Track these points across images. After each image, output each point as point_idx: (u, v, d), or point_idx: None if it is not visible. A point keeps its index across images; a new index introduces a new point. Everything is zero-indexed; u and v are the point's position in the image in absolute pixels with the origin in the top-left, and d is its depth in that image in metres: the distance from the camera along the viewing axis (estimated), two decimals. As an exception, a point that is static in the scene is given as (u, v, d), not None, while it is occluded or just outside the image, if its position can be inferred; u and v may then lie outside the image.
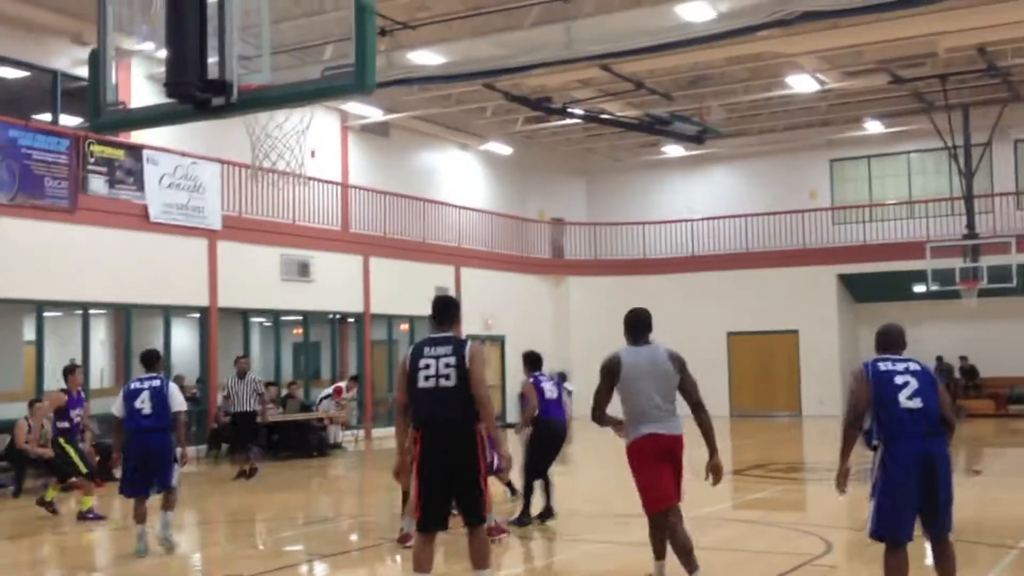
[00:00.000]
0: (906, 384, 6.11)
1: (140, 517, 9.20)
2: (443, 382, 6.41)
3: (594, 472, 16.31)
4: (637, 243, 30.18)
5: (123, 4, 7.01)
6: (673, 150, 30.37)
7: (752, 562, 8.73)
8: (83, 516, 11.49)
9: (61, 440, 12.41)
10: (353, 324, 23.52)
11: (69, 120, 18.75)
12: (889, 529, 6.07)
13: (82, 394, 13.35)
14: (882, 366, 6.22)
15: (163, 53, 6.15)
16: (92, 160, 17.37)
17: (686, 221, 29.84)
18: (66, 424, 12.60)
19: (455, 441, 6.41)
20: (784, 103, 26.87)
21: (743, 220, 28.96)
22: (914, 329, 25.14)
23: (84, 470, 12.10)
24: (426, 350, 6.52)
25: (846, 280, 27.96)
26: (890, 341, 6.43)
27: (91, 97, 7.13)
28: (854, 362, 27.78)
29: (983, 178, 26.57)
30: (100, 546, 10.71)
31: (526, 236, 29.48)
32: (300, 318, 21.99)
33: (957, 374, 27.39)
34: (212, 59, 6.26)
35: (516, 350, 27.70)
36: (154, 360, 9.61)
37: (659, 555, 7.12)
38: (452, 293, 25.66)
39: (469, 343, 6.57)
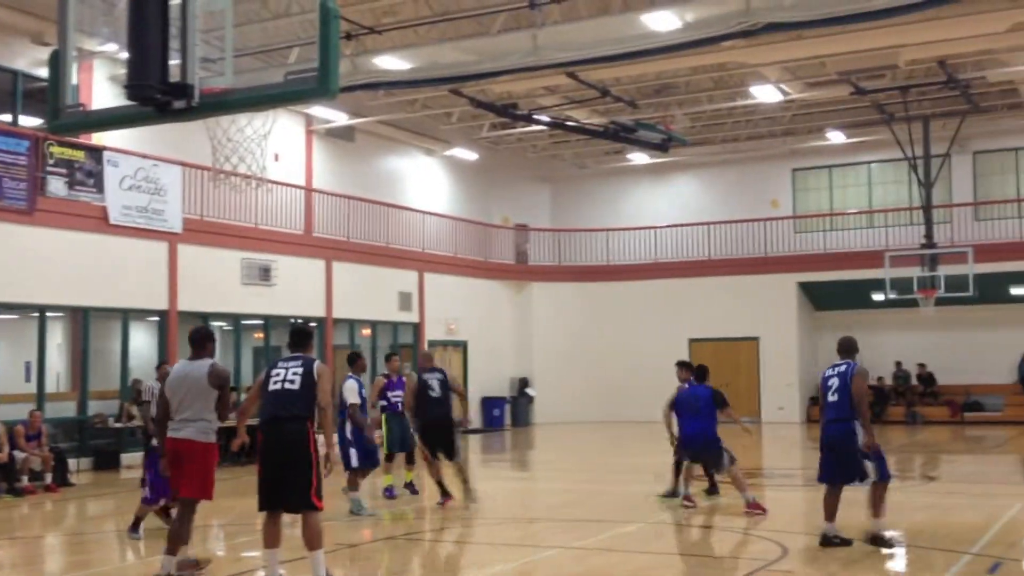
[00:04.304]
0: (832, 384, 8.79)
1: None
2: (287, 386, 7.51)
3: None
4: (601, 250, 30.30)
5: (85, 4, 6.93)
6: (638, 158, 30.51)
7: (709, 567, 8.80)
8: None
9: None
10: (315, 329, 23.40)
11: (29, 121, 18.54)
12: (822, 477, 9.11)
13: (402, 378, 13.55)
14: (827, 371, 8.93)
15: (126, 55, 6.09)
16: (51, 161, 17.16)
17: (650, 228, 30.00)
18: (384, 403, 13.40)
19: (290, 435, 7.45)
20: (748, 113, 27.12)
21: (706, 228, 29.15)
22: (873, 336, 25.77)
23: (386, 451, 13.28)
24: (280, 363, 7.67)
25: (806, 288, 28.25)
26: (840, 349, 9.02)
27: (50, 98, 7.05)
28: (813, 370, 28.10)
29: (942, 189, 26.93)
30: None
31: (490, 242, 29.48)
32: (261, 322, 21.86)
33: (915, 381, 27.78)
34: (174, 61, 6.22)
35: (478, 355, 27.98)
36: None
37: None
38: (414, 298, 25.66)
39: (316, 361, 7.66)
